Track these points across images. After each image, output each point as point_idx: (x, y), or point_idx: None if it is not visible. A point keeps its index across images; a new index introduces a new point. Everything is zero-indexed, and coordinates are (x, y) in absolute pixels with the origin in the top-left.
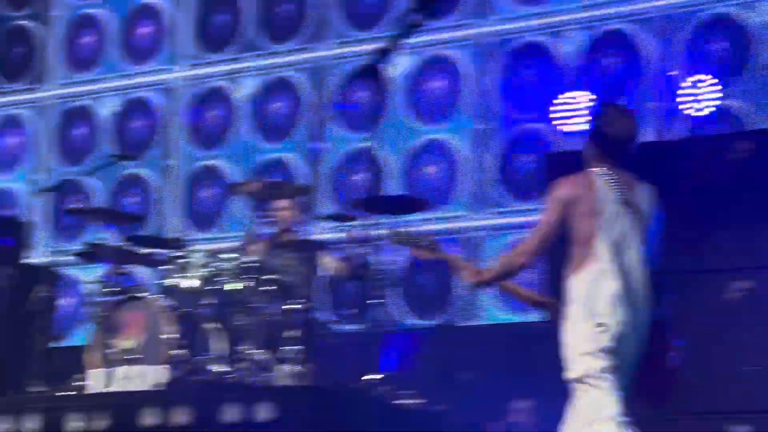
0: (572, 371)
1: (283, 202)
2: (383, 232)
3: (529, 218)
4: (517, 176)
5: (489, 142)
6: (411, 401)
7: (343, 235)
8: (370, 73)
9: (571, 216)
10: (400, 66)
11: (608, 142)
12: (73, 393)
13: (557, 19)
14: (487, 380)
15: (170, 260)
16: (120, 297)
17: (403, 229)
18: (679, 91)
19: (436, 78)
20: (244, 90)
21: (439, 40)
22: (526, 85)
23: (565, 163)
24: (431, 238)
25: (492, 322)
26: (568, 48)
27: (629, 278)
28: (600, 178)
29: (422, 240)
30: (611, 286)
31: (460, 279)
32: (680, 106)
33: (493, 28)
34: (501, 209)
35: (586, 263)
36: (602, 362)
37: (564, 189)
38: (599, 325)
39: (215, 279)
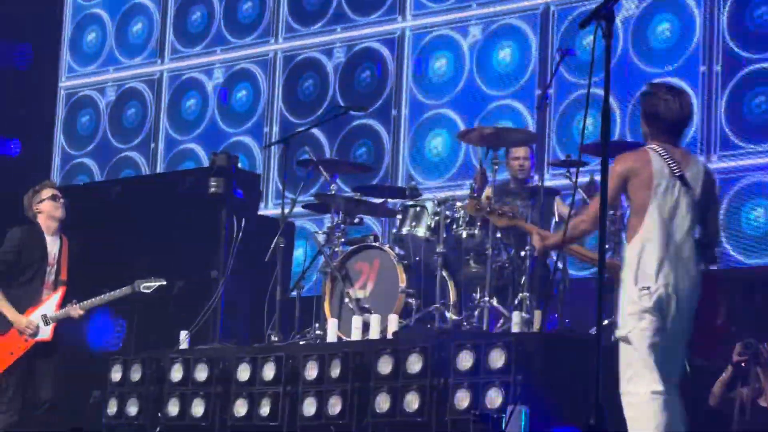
0: (619, 330)
1: (515, 149)
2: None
3: (762, 160)
4: (749, 117)
5: (717, 85)
6: None
7: (575, 181)
8: (597, 18)
9: (629, 188)
10: (626, 10)
11: (659, 122)
12: (310, 342)
13: None
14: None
15: (402, 209)
16: (352, 247)
17: (483, 199)
18: None
19: (663, 21)
20: (471, 38)
21: None
22: (756, 25)
23: None
24: (511, 206)
25: (728, 267)
26: None
27: (676, 246)
28: (656, 153)
29: (502, 208)
30: (657, 253)
31: (533, 242)
32: None
33: None
34: (731, 152)
35: (638, 231)
36: (644, 323)
37: (623, 163)
38: (643, 288)
39: (447, 227)
